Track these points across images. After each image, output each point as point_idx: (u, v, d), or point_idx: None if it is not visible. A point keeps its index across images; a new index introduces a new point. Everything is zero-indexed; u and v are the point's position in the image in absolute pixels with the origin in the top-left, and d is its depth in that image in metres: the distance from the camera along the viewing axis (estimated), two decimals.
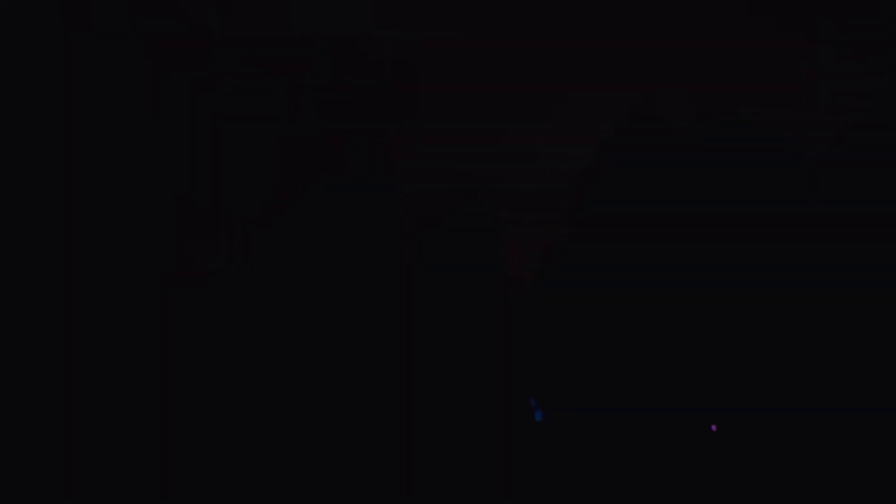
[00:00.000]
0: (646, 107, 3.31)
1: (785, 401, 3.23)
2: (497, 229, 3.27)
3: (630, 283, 3.34)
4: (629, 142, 3.31)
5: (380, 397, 3.18)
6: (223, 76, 3.15)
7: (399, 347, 3.19)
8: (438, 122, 3.25)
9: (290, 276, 3.20)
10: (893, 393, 3.20)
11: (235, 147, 3.16)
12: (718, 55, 3.12)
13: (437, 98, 3.35)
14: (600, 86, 3.38)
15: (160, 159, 3.15)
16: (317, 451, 3.13)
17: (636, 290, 3.35)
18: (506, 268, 3.23)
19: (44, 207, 3.03)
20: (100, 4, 2.99)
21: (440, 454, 3.17)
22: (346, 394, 3.21)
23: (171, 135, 3.12)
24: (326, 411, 3.19)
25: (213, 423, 3.16)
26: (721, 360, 3.31)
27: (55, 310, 3.08)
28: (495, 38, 3.33)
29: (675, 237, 3.34)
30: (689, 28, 3.30)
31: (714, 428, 2.98)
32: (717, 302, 3.24)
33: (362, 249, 3.16)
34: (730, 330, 3.34)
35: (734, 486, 3.23)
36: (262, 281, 3.21)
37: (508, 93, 3.36)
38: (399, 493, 3.12)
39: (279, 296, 3.20)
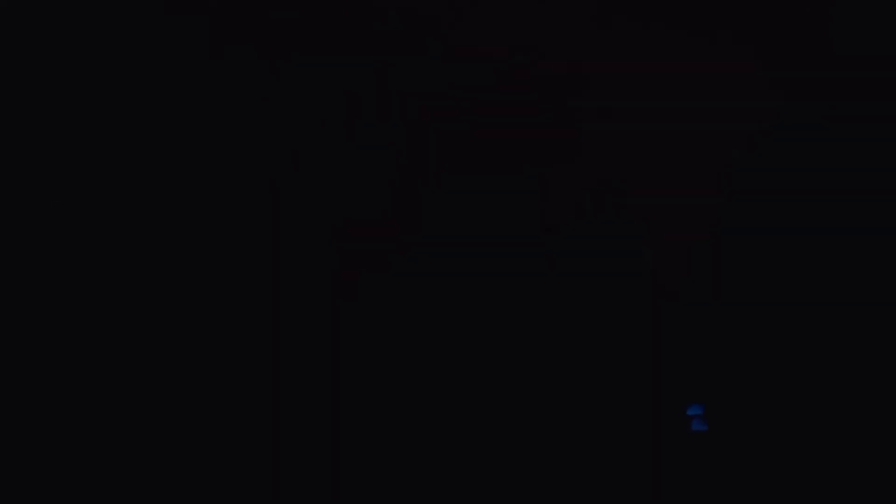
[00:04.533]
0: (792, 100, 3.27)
1: None
2: (642, 230, 3.24)
3: (782, 285, 3.29)
4: (781, 137, 3.25)
5: (523, 398, 3.16)
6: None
7: (536, 354, 3.18)
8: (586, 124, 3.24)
9: (432, 274, 3.19)
10: None
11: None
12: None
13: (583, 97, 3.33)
14: (747, 88, 3.35)
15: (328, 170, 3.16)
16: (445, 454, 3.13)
17: (787, 293, 3.30)
18: (651, 271, 3.20)
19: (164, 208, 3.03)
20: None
21: (590, 460, 3.16)
22: (490, 391, 3.20)
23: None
24: (468, 411, 3.18)
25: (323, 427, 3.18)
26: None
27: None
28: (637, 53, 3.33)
29: (839, 235, 3.29)
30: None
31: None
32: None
33: (504, 250, 3.14)
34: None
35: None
36: (402, 277, 3.21)
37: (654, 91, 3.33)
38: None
39: (421, 293, 3.19)
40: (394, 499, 3.05)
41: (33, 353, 3.08)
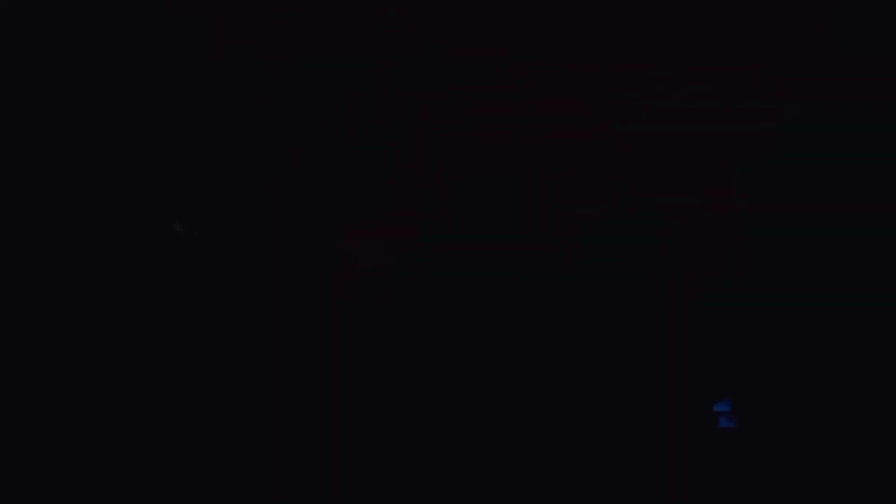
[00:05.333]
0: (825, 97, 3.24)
1: None
2: (670, 231, 3.22)
3: (816, 285, 3.27)
4: (811, 132, 3.23)
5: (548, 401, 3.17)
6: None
7: (566, 358, 3.18)
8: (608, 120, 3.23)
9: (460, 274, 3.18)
10: None
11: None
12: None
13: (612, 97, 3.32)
14: (777, 83, 3.33)
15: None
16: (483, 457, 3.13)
17: (823, 293, 3.28)
18: (680, 273, 3.18)
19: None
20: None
21: (616, 461, 3.16)
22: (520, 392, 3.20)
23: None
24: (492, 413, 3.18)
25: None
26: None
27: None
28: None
29: (870, 233, 3.27)
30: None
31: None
32: None
33: (530, 251, 3.14)
34: None
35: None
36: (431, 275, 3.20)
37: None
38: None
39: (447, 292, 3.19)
40: (398, 500, 3.05)
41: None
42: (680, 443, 3.13)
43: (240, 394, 3.12)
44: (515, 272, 3.17)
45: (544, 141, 3.14)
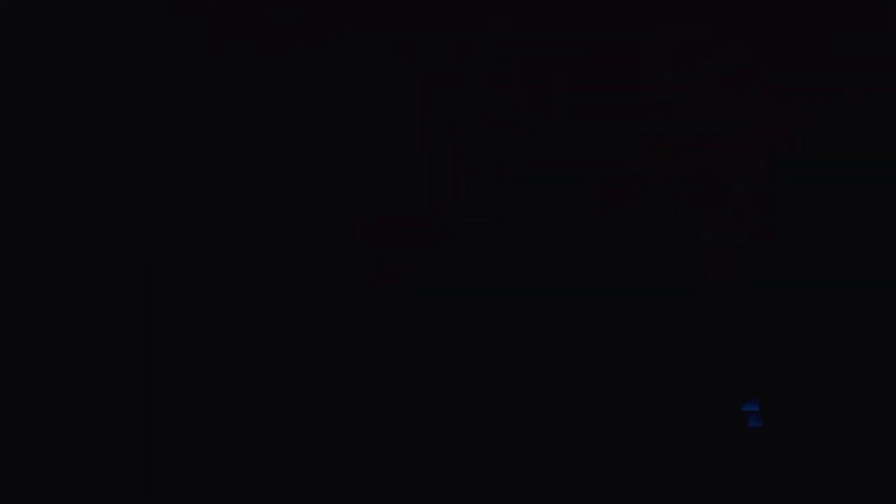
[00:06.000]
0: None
1: None
2: (695, 227, 3.18)
3: (848, 284, 3.24)
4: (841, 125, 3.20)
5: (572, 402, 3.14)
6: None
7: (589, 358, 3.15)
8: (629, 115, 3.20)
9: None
10: None
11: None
12: None
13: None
14: (809, 72, 3.30)
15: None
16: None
17: (850, 292, 3.25)
18: (705, 271, 3.15)
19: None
20: None
21: (640, 462, 3.14)
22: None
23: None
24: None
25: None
26: None
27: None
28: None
29: None
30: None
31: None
32: None
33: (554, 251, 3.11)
34: None
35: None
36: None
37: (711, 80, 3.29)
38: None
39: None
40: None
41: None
42: (709, 443, 3.12)
43: (262, 395, 3.09)
44: (540, 268, 3.15)
45: (570, 138, 3.12)
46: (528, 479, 3.05)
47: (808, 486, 3.03)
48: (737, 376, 3.09)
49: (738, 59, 3.13)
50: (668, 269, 3.08)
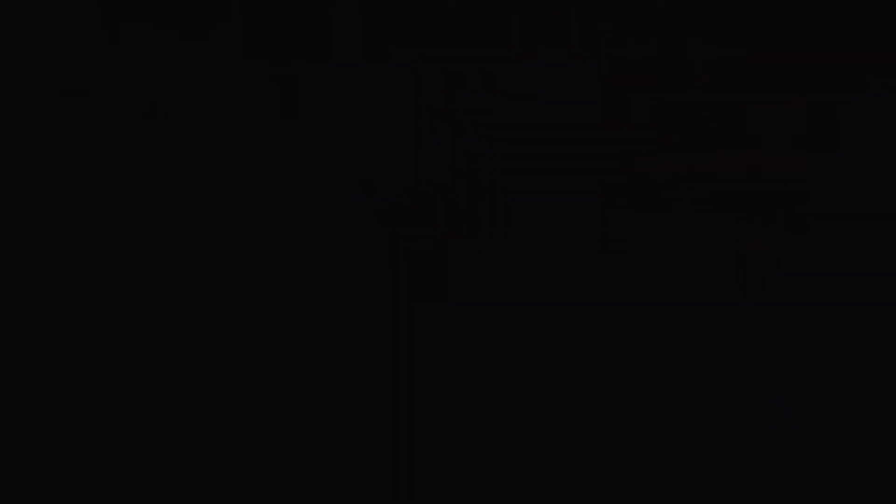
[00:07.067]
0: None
1: None
2: (726, 230, 3.18)
3: (877, 284, 3.21)
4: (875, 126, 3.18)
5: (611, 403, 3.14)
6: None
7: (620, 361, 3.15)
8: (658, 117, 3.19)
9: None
10: None
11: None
12: None
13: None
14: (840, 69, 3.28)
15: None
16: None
17: (883, 291, 3.22)
18: (737, 274, 3.14)
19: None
20: None
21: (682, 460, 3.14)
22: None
23: None
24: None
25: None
26: None
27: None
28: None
29: None
30: None
31: None
32: None
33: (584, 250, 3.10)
34: None
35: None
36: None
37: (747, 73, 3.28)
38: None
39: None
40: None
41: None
42: (737, 440, 3.11)
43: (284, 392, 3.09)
44: (571, 269, 3.13)
45: (596, 139, 3.11)
46: (564, 485, 3.04)
47: (841, 488, 3.02)
48: (769, 381, 3.08)
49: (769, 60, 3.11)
50: (701, 274, 3.07)
